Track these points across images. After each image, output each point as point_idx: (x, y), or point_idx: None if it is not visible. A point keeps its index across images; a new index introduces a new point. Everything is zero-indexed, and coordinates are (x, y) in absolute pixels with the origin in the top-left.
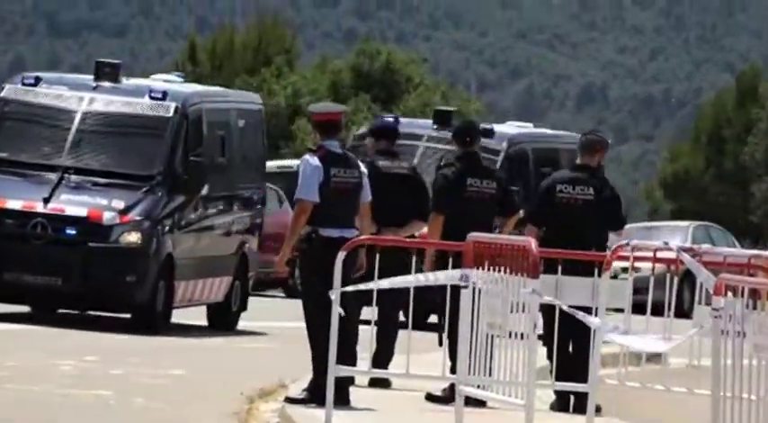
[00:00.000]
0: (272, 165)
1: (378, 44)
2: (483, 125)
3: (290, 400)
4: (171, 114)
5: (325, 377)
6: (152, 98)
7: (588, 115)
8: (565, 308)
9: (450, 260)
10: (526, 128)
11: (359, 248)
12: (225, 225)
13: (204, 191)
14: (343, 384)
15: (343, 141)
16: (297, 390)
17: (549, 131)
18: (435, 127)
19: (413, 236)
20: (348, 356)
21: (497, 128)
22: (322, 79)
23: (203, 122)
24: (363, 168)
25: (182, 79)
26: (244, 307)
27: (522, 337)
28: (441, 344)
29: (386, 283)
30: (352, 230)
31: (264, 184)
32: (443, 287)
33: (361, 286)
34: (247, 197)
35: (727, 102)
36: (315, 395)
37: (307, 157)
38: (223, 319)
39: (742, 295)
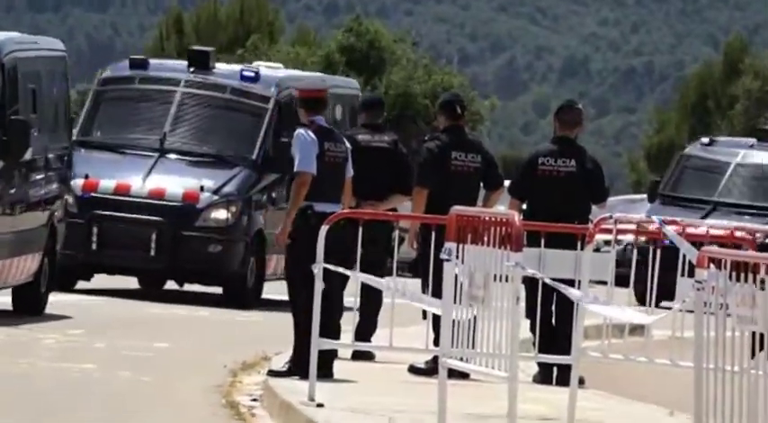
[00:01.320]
0: None
1: (365, 21)
2: (245, 66)
3: (273, 373)
4: None
5: (308, 350)
6: None
7: (570, 88)
8: (548, 281)
9: (434, 234)
10: (280, 69)
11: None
12: (37, 194)
13: (28, 155)
14: (327, 357)
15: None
16: (279, 363)
17: (306, 74)
18: (192, 70)
19: (395, 209)
20: (331, 330)
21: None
22: (305, 55)
23: (18, 74)
24: (347, 144)
25: None
26: (53, 286)
27: (504, 310)
28: (424, 317)
29: (365, 278)
30: (340, 205)
31: (71, 146)
32: (427, 260)
33: (343, 270)
34: (55, 160)
35: (714, 73)
36: (298, 368)
37: (301, 131)
38: (31, 301)
39: (725, 267)
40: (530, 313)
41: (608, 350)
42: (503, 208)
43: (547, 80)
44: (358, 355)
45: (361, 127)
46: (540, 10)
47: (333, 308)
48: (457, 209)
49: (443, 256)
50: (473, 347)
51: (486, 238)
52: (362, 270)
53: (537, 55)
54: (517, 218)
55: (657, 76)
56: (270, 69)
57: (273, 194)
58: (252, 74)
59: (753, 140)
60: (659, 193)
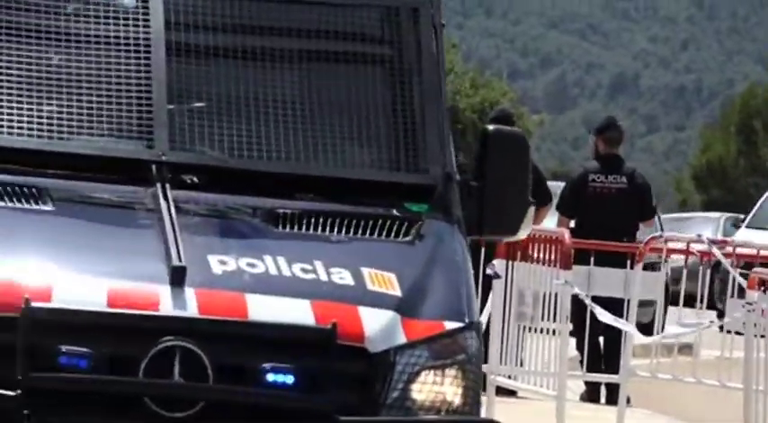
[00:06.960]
0: None
1: None
2: None
3: None
4: None
5: None
6: None
7: (619, 104)
8: (587, 301)
9: (483, 250)
10: None
11: None
12: None
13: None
14: None
15: None
16: None
17: None
18: None
19: None
20: None
21: None
22: None
23: None
24: None
25: None
26: None
27: (553, 329)
28: None
29: None
30: None
31: None
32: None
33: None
34: None
35: (758, 93)
36: None
37: None
38: None
39: None
40: (577, 331)
41: (656, 369)
42: (551, 225)
43: (596, 96)
44: None
45: None
46: (590, 26)
47: None
48: None
49: (489, 271)
50: (521, 365)
51: (535, 256)
52: None
53: (587, 71)
54: (567, 236)
55: (707, 94)
56: None
57: None
58: None
59: None
60: None
